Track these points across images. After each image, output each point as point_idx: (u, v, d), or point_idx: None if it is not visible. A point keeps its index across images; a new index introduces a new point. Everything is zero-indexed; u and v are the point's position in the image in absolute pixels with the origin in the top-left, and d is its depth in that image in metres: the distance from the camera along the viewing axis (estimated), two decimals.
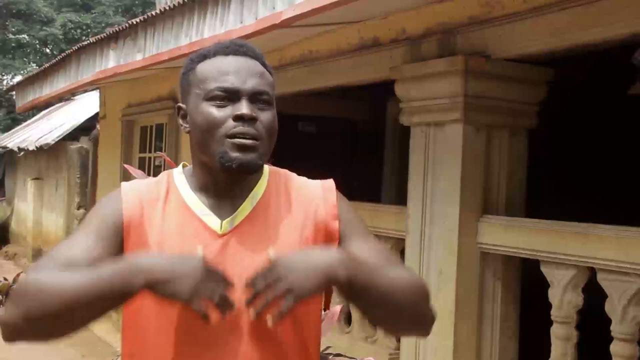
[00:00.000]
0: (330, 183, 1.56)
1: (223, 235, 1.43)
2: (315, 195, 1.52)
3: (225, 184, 1.46)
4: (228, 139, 1.39)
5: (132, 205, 1.46)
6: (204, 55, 1.48)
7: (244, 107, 1.40)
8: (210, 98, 1.42)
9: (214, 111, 1.41)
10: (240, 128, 1.39)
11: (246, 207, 1.46)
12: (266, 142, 1.43)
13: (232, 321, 1.37)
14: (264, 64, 1.49)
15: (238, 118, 1.39)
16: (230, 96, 1.41)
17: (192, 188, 1.49)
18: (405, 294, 1.37)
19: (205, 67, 1.46)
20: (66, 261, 1.36)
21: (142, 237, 1.43)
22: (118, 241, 1.44)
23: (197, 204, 1.46)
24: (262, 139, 1.41)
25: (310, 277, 1.26)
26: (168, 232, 1.43)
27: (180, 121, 1.50)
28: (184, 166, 1.57)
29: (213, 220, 1.44)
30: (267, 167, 1.54)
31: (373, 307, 1.37)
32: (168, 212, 1.46)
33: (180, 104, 1.51)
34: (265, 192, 1.49)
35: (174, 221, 1.45)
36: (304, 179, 1.57)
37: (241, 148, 1.39)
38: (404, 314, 1.39)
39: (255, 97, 1.42)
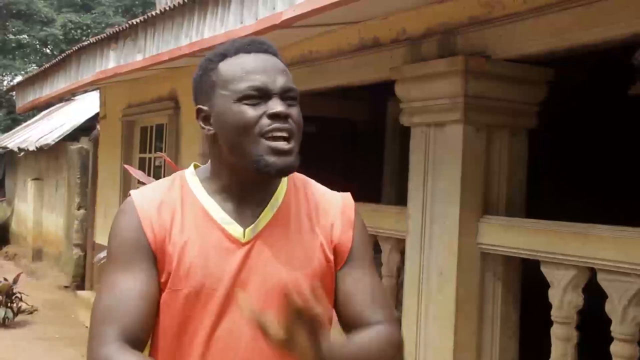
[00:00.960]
0: (350, 199, 1.56)
1: (246, 243, 1.41)
2: (334, 208, 1.51)
3: (251, 188, 1.43)
4: (264, 140, 1.37)
5: (152, 222, 1.41)
6: (223, 54, 1.44)
7: (278, 105, 1.38)
8: (242, 98, 1.38)
9: (248, 110, 1.38)
10: (276, 126, 1.37)
11: (268, 214, 1.45)
12: (297, 140, 1.42)
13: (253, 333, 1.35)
14: (281, 60, 1.48)
15: (274, 116, 1.37)
16: (261, 95, 1.38)
17: (209, 192, 1.45)
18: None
19: (229, 67, 1.42)
20: (124, 325, 1.33)
21: (167, 251, 1.40)
22: (153, 264, 1.39)
23: (217, 211, 1.43)
24: (294, 136, 1.41)
25: None
26: (188, 239, 1.40)
27: (202, 124, 1.45)
28: (195, 167, 1.52)
29: (236, 229, 1.42)
30: None
31: None
32: (186, 219, 1.42)
33: (201, 106, 1.46)
34: (285, 198, 1.48)
35: (194, 229, 1.41)
36: (323, 188, 1.56)
37: (278, 152, 1.37)
38: None
39: (284, 95, 1.41)
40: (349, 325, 1.49)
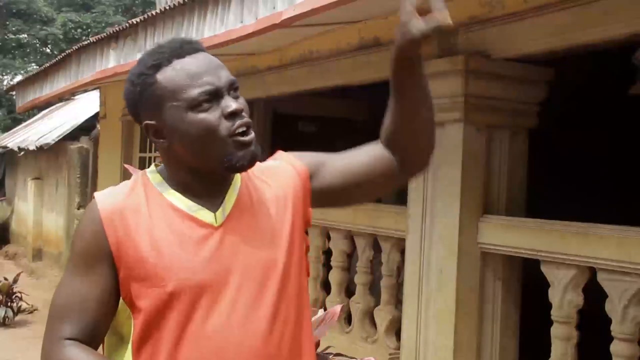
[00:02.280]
0: (281, 154, 1.61)
1: (219, 227, 1.42)
2: (281, 166, 1.55)
3: (212, 181, 1.45)
4: (231, 139, 1.38)
5: (114, 223, 1.40)
6: (157, 65, 1.40)
7: (232, 103, 1.39)
8: (196, 105, 1.37)
9: (205, 117, 1.37)
10: (239, 122, 1.39)
11: (232, 195, 1.46)
12: (254, 128, 1.45)
13: (233, 297, 1.38)
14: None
15: (232, 115, 1.38)
16: (212, 97, 1.38)
17: (173, 187, 1.45)
18: (431, 104, 1.53)
19: (170, 76, 1.39)
20: (80, 319, 1.39)
21: (134, 250, 1.39)
22: (110, 266, 1.41)
23: (183, 202, 1.43)
24: (252, 127, 1.43)
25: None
26: (161, 236, 1.40)
27: (154, 138, 1.43)
28: (156, 166, 1.52)
29: (206, 214, 1.42)
30: None
31: (416, 102, 1.49)
32: (154, 216, 1.42)
33: (149, 122, 1.43)
34: (241, 179, 1.50)
35: (164, 223, 1.41)
36: (259, 163, 1.58)
37: (244, 145, 1.39)
38: (429, 125, 1.53)
39: (230, 89, 1.41)
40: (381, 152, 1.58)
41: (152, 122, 1.42)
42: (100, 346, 1.48)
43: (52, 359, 1.40)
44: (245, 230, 1.44)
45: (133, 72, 1.44)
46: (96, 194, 1.47)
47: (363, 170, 1.57)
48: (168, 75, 1.39)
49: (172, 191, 1.45)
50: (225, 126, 1.38)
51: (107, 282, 1.40)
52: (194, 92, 1.37)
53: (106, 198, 1.45)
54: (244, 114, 1.40)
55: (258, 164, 1.53)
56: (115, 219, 1.41)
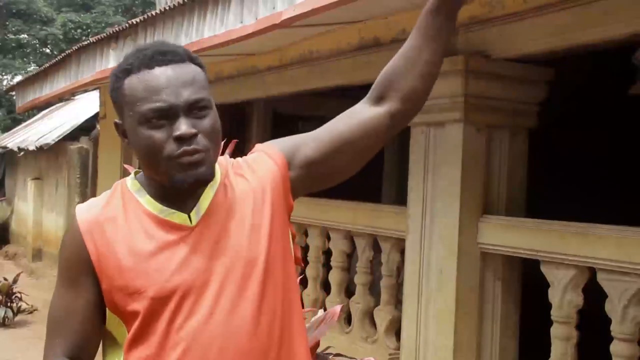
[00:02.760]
0: (257, 146, 1.58)
1: (195, 227, 1.41)
2: (259, 159, 1.52)
3: (182, 191, 1.42)
4: (173, 161, 1.35)
5: (93, 236, 1.41)
6: (128, 70, 1.40)
7: (182, 126, 1.34)
8: (145, 121, 1.35)
9: (152, 135, 1.35)
10: (184, 148, 1.34)
11: (208, 194, 1.44)
12: (213, 150, 1.40)
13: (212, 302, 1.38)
14: (191, 60, 1.42)
15: (178, 139, 1.34)
16: (165, 115, 1.35)
17: (149, 193, 1.45)
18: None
19: (132, 85, 1.38)
20: (70, 335, 1.44)
21: (113, 260, 1.40)
22: (93, 277, 1.41)
23: (156, 206, 1.43)
24: (207, 149, 1.37)
25: None
26: (138, 243, 1.40)
27: (122, 137, 1.44)
28: (135, 173, 1.52)
29: (180, 216, 1.42)
30: None
31: (447, 45, 1.60)
32: (131, 224, 1.42)
33: (117, 121, 1.45)
34: (220, 177, 1.48)
35: (141, 229, 1.41)
36: (239, 159, 1.57)
37: (188, 166, 1.35)
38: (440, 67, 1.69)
39: (192, 108, 1.36)
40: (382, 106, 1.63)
41: (120, 121, 1.45)
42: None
43: None
44: (223, 228, 1.42)
45: (114, 69, 1.45)
46: (77, 207, 1.49)
47: (351, 134, 1.58)
48: (132, 83, 1.38)
49: (147, 197, 1.44)
50: (170, 148, 1.34)
51: (91, 294, 1.42)
52: (145, 107, 1.35)
53: (85, 211, 1.46)
54: (199, 137, 1.36)
55: (237, 159, 1.54)
56: (94, 231, 1.42)
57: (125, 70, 1.40)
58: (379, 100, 1.60)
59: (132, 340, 1.40)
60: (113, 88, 1.43)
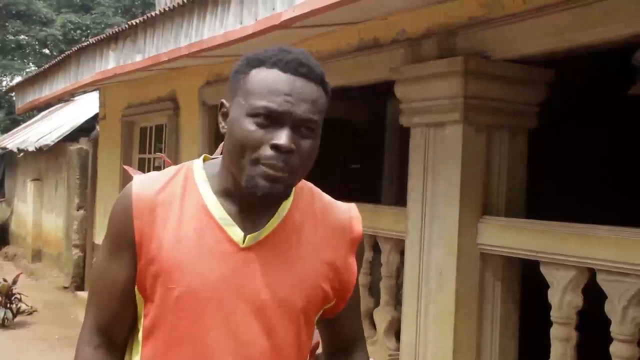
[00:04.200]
0: (357, 212, 1.54)
1: (244, 249, 1.38)
2: (342, 221, 1.50)
3: (252, 200, 1.38)
4: (259, 165, 1.32)
5: (143, 213, 1.39)
6: (261, 61, 1.39)
7: (284, 136, 1.31)
8: (254, 115, 1.33)
9: (253, 130, 1.32)
10: (274, 159, 1.31)
11: (273, 223, 1.41)
12: (300, 173, 1.37)
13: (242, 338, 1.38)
14: (322, 84, 1.40)
15: (275, 147, 1.31)
16: (274, 119, 1.32)
17: (214, 190, 1.42)
18: None
19: (258, 78, 1.36)
20: (104, 305, 1.46)
21: (156, 243, 1.38)
22: (133, 254, 1.41)
23: (219, 211, 1.39)
24: (294, 172, 1.35)
25: None
26: (185, 236, 1.38)
27: (220, 118, 1.42)
28: (205, 159, 1.48)
29: (236, 232, 1.38)
30: None
31: None
32: (185, 215, 1.39)
33: (224, 101, 1.43)
34: (291, 209, 1.44)
35: (192, 225, 1.38)
36: (330, 199, 1.53)
37: (270, 178, 1.32)
38: None
39: (300, 124, 1.34)
40: (333, 345, 1.64)
41: (227, 103, 1.42)
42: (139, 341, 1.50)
43: (77, 352, 1.48)
44: (273, 261, 1.40)
45: (247, 55, 1.44)
46: (135, 179, 1.45)
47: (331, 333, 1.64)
48: (258, 76, 1.37)
49: (212, 194, 1.41)
50: (263, 151, 1.32)
51: (131, 269, 1.41)
52: (259, 102, 1.33)
53: (142, 187, 1.43)
54: (295, 155, 1.33)
55: (323, 197, 1.52)
56: (145, 210, 1.39)
57: (258, 61, 1.39)
58: None
59: (150, 326, 1.41)
60: (239, 70, 1.41)
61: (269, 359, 1.38)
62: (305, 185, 1.51)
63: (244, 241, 1.38)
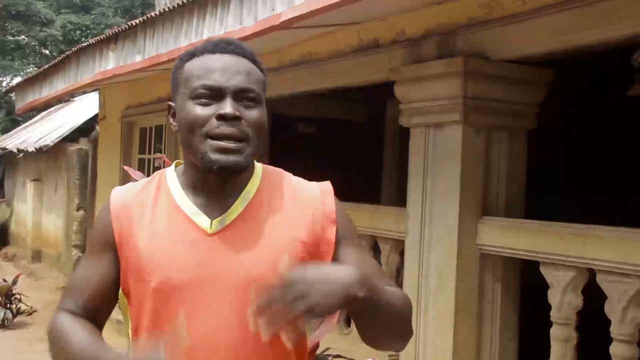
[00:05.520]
0: (328, 186, 1.54)
1: (213, 234, 1.42)
2: (312, 197, 1.49)
3: (215, 183, 1.44)
4: (210, 139, 1.38)
5: (120, 216, 1.48)
6: (192, 54, 1.47)
7: (227, 106, 1.37)
8: (195, 97, 1.40)
9: (197, 109, 1.39)
10: (223, 128, 1.37)
11: (238, 206, 1.44)
12: (253, 142, 1.41)
13: (225, 318, 1.38)
14: (254, 61, 1.47)
15: (221, 117, 1.37)
16: (214, 94, 1.39)
17: (183, 186, 1.48)
18: (401, 313, 1.40)
19: (192, 66, 1.45)
20: (81, 298, 1.50)
21: (132, 243, 1.44)
22: (114, 256, 1.48)
23: (187, 203, 1.45)
24: (247, 139, 1.39)
25: (331, 296, 1.20)
26: (157, 233, 1.44)
27: (171, 119, 1.50)
28: (177, 165, 1.55)
29: (202, 220, 1.43)
30: (260, 166, 1.52)
31: (374, 324, 1.37)
32: (157, 212, 1.46)
33: (171, 103, 1.51)
34: (258, 191, 1.47)
35: (164, 221, 1.44)
36: (299, 179, 1.55)
37: (223, 150, 1.37)
38: (396, 331, 1.42)
39: (240, 95, 1.40)
40: None
41: (172, 103, 1.50)
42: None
43: (49, 326, 1.52)
44: (243, 242, 1.41)
45: (180, 55, 1.52)
46: (114, 189, 1.56)
47: None
48: (192, 64, 1.45)
49: (181, 190, 1.48)
50: (210, 125, 1.38)
51: (110, 270, 1.48)
52: (197, 83, 1.41)
53: (120, 192, 1.54)
54: (243, 122, 1.38)
55: (294, 179, 1.52)
56: (122, 213, 1.48)
57: (189, 54, 1.48)
58: None
59: (137, 324, 1.45)
60: (174, 69, 1.50)
61: (251, 341, 1.36)
62: (274, 169, 1.55)
63: (211, 227, 1.42)
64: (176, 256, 1.41)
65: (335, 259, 1.47)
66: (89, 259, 1.53)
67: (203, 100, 1.39)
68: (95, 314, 1.49)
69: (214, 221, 1.42)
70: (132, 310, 1.46)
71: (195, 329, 1.38)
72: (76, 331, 1.44)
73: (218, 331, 1.38)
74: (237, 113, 1.38)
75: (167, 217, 1.45)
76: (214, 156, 1.37)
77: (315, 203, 1.49)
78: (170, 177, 1.51)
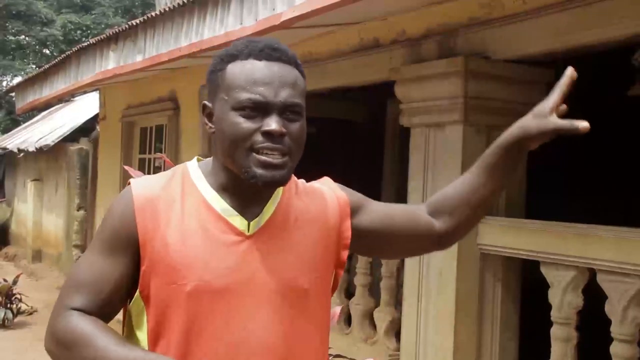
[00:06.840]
0: (332, 182, 1.58)
1: (250, 236, 1.40)
2: (325, 194, 1.53)
3: (250, 191, 1.41)
4: (254, 154, 1.35)
5: (145, 211, 1.39)
6: (234, 55, 1.41)
7: (273, 123, 1.34)
8: (239, 108, 1.35)
9: (241, 122, 1.35)
10: (268, 144, 1.34)
11: (270, 208, 1.43)
12: (295, 156, 1.39)
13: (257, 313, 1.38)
14: (297, 66, 1.44)
15: (267, 134, 1.34)
16: (259, 109, 1.35)
17: (212, 186, 1.43)
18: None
19: (235, 71, 1.39)
20: (97, 296, 1.38)
21: (161, 244, 1.37)
22: (134, 254, 1.39)
23: (220, 203, 1.41)
24: (290, 153, 1.37)
25: None
26: (189, 231, 1.38)
27: (205, 120, 1.44)
28: (198, 160, 1.50)
29: (239, 221, 1.40)
30: None
31: (505, 184, 1.68)
32: (187, 210, 1.40)
33: (207, 102, 1.44)
34: (283, 194, 1.47)
35: (195, 219, 1.39)
36: (303, 181, 1.56)
37: (267, 166, 1.35)
38: (494, 202, 1.65)
39: (286, 109, 1.36)
40: (434, 216, 1.62)
41: (209, 104, 1.44)
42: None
43: (57, 325, 1.38)
44: (275, 245, 1.41)
45: (218, 53, 1.47)
46: (133, 181, 1.45)
47: (403, 225, 1.58)
48: (235, 69, 1.39)
49: (210, 189, 1.43)
50: (255, 141, 1.35)
51: (127, 269, 1.39)
52: (243, 95, 1.35)
53: (142, 186, 1.43)
54: (286, 139, 1.36)
55: (303, 182, 1.54)
56: (147, 209, 1.39)
57: (231, 55, 1.42)
58: (433, 215, 1.63)
59: (158, 329, 1.38)
60: (214, 70, 1.43)
61: (285, 344, 1.38)
62: None
63: (249, 229, 1.40)
64: (213, 259, 1.37)
65: (363, 223, 1.54)
66: (101, 254, 1.40)
67: (247, 112, 1.35)
68: (111, 315, 1.41)
69: (251, 223, 1.40)
70: (151, 314, 1.38)
71: (231, 334, 1.36)
72: (102, 336, 1.32)
73: (254, 336, 1.36)
74: (284, 130, 1.35)
75: (199, 215, 1.40)
76: (259, 171, 1.35)
77: (331, 199, 1.52)
78: (195, 173, 1.46)
